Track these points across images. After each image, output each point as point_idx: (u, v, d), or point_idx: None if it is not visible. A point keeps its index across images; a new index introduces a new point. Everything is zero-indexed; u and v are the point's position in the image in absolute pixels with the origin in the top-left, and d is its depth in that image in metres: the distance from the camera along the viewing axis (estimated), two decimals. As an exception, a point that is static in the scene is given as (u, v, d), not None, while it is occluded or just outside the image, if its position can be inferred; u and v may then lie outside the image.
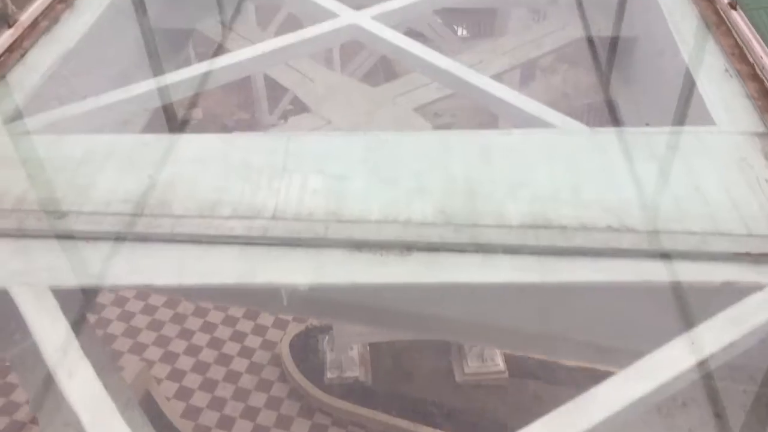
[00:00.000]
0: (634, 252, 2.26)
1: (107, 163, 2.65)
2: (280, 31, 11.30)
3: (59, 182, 2.56)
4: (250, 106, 13.25)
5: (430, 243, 2.31)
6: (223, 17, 4.64)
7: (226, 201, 2.47)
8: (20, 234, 2.34)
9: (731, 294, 2.17)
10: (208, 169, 2.64)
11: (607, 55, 4.29)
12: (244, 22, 4.89)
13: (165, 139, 2.81)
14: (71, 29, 3.43)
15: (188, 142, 2.82)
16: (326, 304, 2.70)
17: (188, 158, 2.70)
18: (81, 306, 2.25)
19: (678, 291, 2.22)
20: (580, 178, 2.55)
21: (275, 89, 11.70)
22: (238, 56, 3.47)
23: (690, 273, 2.22)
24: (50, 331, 2.04)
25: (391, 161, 2.67)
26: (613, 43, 4.21)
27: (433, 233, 2.34)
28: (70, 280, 2.21)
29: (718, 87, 2.96)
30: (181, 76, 3.28)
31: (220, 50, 4.51)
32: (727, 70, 3.04)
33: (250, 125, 13.62)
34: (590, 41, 4.30)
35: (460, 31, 16.32)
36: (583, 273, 2.23)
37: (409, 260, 2.28)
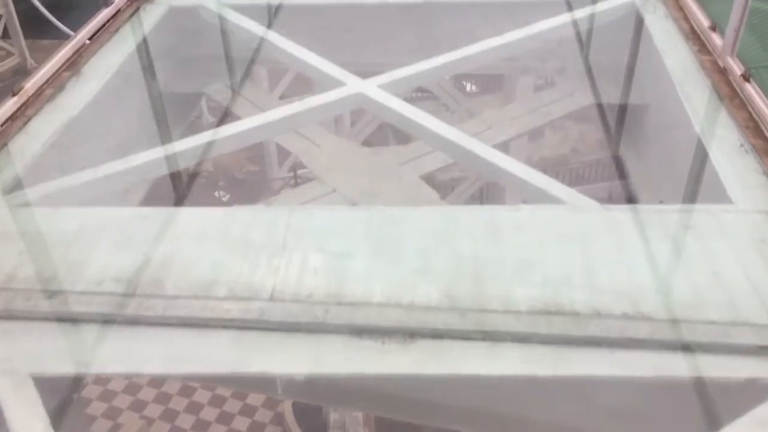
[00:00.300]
0: (652, 343, 2.13)
1: (102, 238, 2.57)
2: (288, 91, 11.45)
3: (52, 259, 2.48)
4: (260, 158, 13.36)
5: (435, 330, 2.19)
6: (233, 82, 4.65)
7: (222, 280, 2.38)
8: (7, 316, 2.25)
9: (756, 391, 2.03)
10: (206, 245, 2.55)
11: (617, 123, 4.24)
12: (252, 84, 4.90)
13: (163, 212, 2.74)
14: (76, 97, 3.41)
15: (188, 216, 2.75)
16: (324, 392, 2.57)
17: (187, 233, 2.62)
18: (64, 395, 2.13)
19: (699, 386, 2.08)
20: (593, 259, 2.44)
21: (285, 143, 11.76)
22: (243, 125, 3.42)
23: (711, 367, 2.08)
24: (28, 427, 1.92)
25: (395, 238, 2.58)
26: (623, 112, 4.17)
27: (437, 319, 2.22)
28: (54, 367, 2.10)
29: (734, 163, 2.87)
30: (185, 146, 3.24)
31: (227, 115, 4.51)
32: (742, 145, 2.96)
33: (260, 178, 13.72)
34: (600, 108, 4.26)
35: (469, 87, 16.53)
36: (598, 366, 2.10)
37: (411, 349, 2.16)
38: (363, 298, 2.31)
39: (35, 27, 9.88)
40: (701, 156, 3.03)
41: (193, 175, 3.60)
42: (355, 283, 2.37)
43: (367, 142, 12.13)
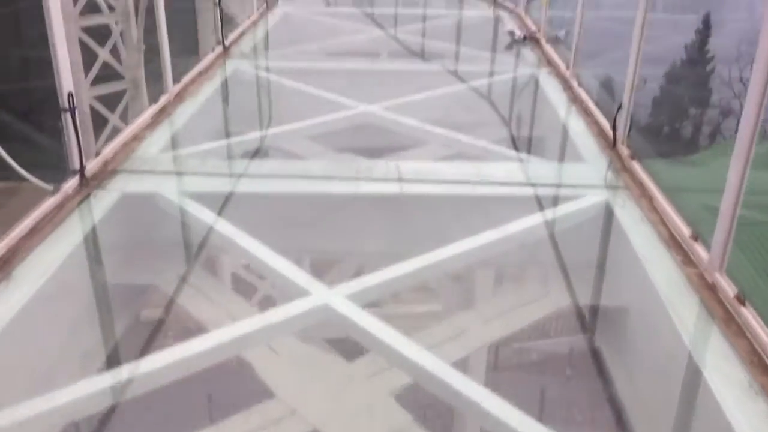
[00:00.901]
0: None
1: None
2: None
3: None
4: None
5: None
6: (186, 272, 4.30)
7: None
8: None
9: None
10: None
11: (593, 323, 4.01)
12: (207, 275, 4.56)
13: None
14: (1, 308, 2.98)
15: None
16: None
17: None
18: None
19: None
20: None
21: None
22: (190, 348, 2.99)
23: None
24: None
25: None
26: (600, 316, 3.95)
27: None
28: None
29: (746, 409, 2.56)
30: (116, 378, 2.78)
31: (172, 306, 4.12)
32: (751, 386, 2.67)
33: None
34: (579, 312, 4.02)
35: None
36: None
37: None
38: None
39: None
40: (705, 394, 2.73)
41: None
42: None
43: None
